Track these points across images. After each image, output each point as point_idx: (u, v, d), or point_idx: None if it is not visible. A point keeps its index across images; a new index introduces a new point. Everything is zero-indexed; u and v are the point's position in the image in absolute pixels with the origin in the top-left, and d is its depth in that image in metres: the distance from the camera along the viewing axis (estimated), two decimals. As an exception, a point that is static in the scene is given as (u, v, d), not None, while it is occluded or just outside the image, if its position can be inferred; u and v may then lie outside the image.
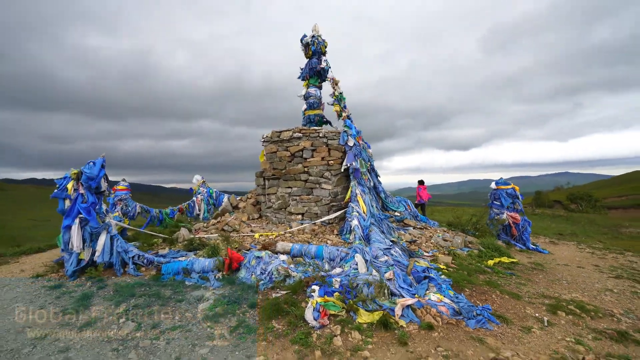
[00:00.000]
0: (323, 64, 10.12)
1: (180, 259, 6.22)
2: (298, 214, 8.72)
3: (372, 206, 8.01)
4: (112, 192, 9.66)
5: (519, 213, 9.79)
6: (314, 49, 10.35)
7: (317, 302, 4.39)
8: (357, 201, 7.83)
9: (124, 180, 10.08)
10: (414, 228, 8.90)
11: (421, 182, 12.35)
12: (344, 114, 9.29)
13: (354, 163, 8.36)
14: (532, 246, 9.33)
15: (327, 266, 5.85)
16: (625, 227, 17.97)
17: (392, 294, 4.66)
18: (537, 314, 4.44)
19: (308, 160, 8.62)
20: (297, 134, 8.78)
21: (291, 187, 8.82)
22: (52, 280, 5.89)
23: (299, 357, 3.40)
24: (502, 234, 9.70)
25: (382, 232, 7.33)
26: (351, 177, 8.34)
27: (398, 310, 4.20)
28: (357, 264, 5.43)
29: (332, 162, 8.53)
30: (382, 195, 9.80)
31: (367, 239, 6.93)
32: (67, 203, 6.02)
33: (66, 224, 5.94)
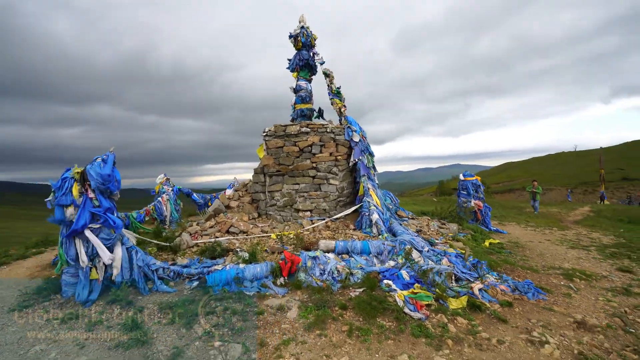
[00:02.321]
0: (318, 57, 9.99)
1: (216, 267, 5.56)
2: (306, 210, 8.57)
3: (384, 200, 8.43)
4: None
5: (481, 200, 11.54)
6: (304, 40, 10.11)
7: (404, 295, 4.59)
8: (370, 195, 8.14)
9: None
10: (409, 219, 9.69)
11: None
12: (344, 110, 9.40)
13: (361, 158, 8.61)
14: (493, 228, 11.15)
15: (376, 260, 6.03)
16: (524, 209, 22.75)
17: (458, 280, 5.15)
18: (562, 283, 5.51)
19: (317, 155, 8.50)
20: (304, 128, 8.55)
21: (299, 184, 8.58)
22: (48, 309, 4.61)
23: (435, 348, 3.56)
24: (469, 220, 11.29)
25: (400, 224, 7.82)
26: (360, 172, 8.58)
27: (477, 293, 4.71)
28: (410, 256, 5.76)
29: (339, 157, 8.61)
30: (374, 188, 10.32)
31: (391, 232, 7.32)
32: (71, 210, 4.76)
33: (71, 233, 4.71)
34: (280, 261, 5.38)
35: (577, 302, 4.74)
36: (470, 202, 11.25)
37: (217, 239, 7.32)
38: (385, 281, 5.05)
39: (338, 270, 5.41)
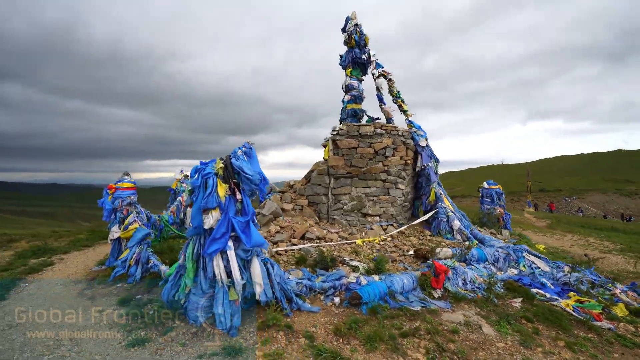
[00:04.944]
0: (373, 59, 9.67)
1: (349, 280, 4.91)
2: (375, 215, 8.16)
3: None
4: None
5: (502, 208, 12.29)
6: (357, 38, 9.74)
7: (572, 305, 4.56)
8: (444, 201, 8.08)
9: (127, 174, 6.65)
10: (457, 224, 9.85)
11: None
12: (409, 113, 9.24)
13: (430, 164, 8.52)
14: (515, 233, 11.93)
15: (493, 268, 5.93)
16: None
17: (594, 287, 5.29)
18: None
19: (389, 159, 8.17)
20: (378, 129, 8.16)
21: (370, 187, 8.14)
22: (184, 341, 3.57)
23: (661, 358, 3.56)
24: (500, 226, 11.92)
25: (479, 231, 7.87)
26: (430, 177, 8.47)
27: (626, 299, 4.87)
28: (532, 264, 5.79)
29: (409, 161, 8.41)
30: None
31: (477, 239, 7.33)
32: (217, 215, 3.77)
33: (215, 247, 3.73)
34: (425, 272, 4.97)
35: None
36: (497, 209, 11.90)
37: (302, 247, 6.54)
38: (534, 290, 4.98)
39: (477, 280, 5.19)
